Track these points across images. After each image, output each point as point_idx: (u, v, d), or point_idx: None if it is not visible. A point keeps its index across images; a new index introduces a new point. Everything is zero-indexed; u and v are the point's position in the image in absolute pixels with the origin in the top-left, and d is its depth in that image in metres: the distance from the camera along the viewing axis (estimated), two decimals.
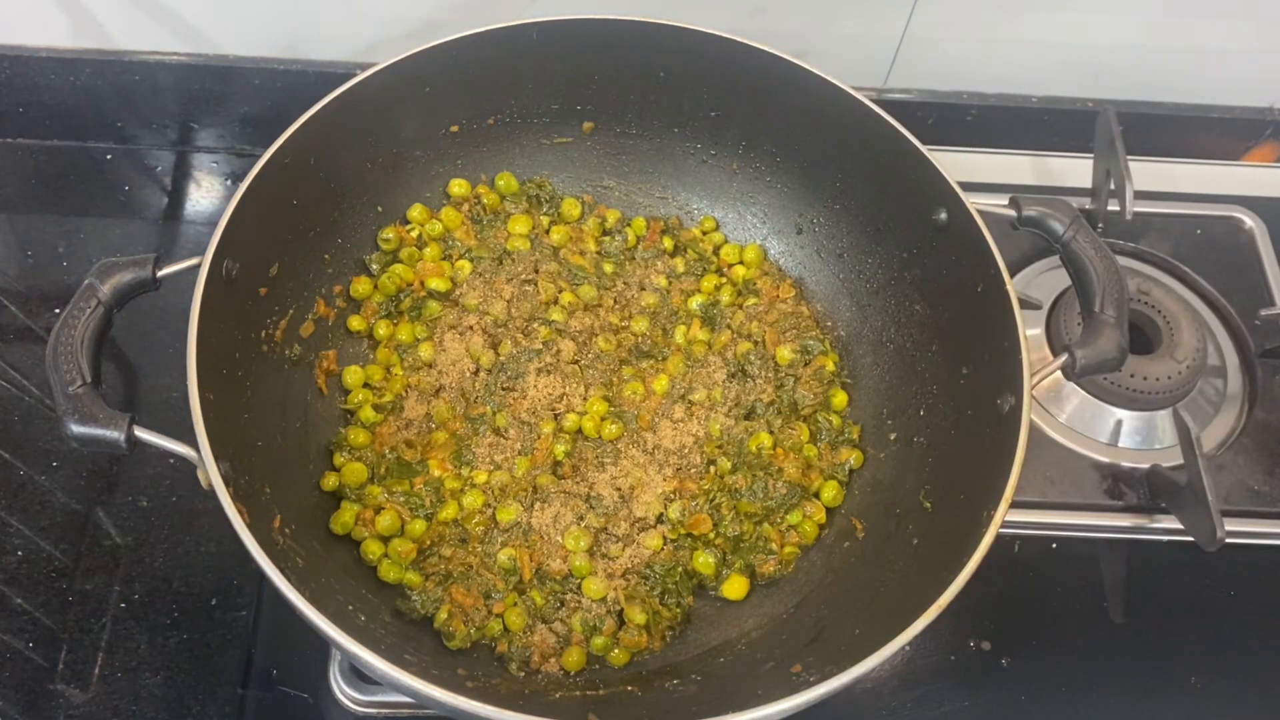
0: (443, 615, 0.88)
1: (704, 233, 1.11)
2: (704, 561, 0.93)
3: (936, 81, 1.30)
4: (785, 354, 1.02)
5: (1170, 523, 1.02)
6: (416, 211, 1.06)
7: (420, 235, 1.06)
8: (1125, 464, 1.06)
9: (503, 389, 0.99)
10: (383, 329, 1.02)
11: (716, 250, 1.10)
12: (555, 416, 0.98)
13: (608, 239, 1.09)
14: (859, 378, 1.03)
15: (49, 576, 0.97)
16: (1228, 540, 0.94)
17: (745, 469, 0.97)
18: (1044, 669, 0.98)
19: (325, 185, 0.97)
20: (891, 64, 1.27)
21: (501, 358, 1.00)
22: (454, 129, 1.06)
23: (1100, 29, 1.24)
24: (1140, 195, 1.15)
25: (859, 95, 0.97)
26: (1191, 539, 0.98)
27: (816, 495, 0.97)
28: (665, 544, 0.94)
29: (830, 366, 1.03)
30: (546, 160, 1.11)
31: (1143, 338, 1.11)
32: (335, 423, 0.98)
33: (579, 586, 0.91)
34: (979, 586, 0.75)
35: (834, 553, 0.95)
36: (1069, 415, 1.08)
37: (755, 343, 1.04)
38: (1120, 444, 1.07)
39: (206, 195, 1.24)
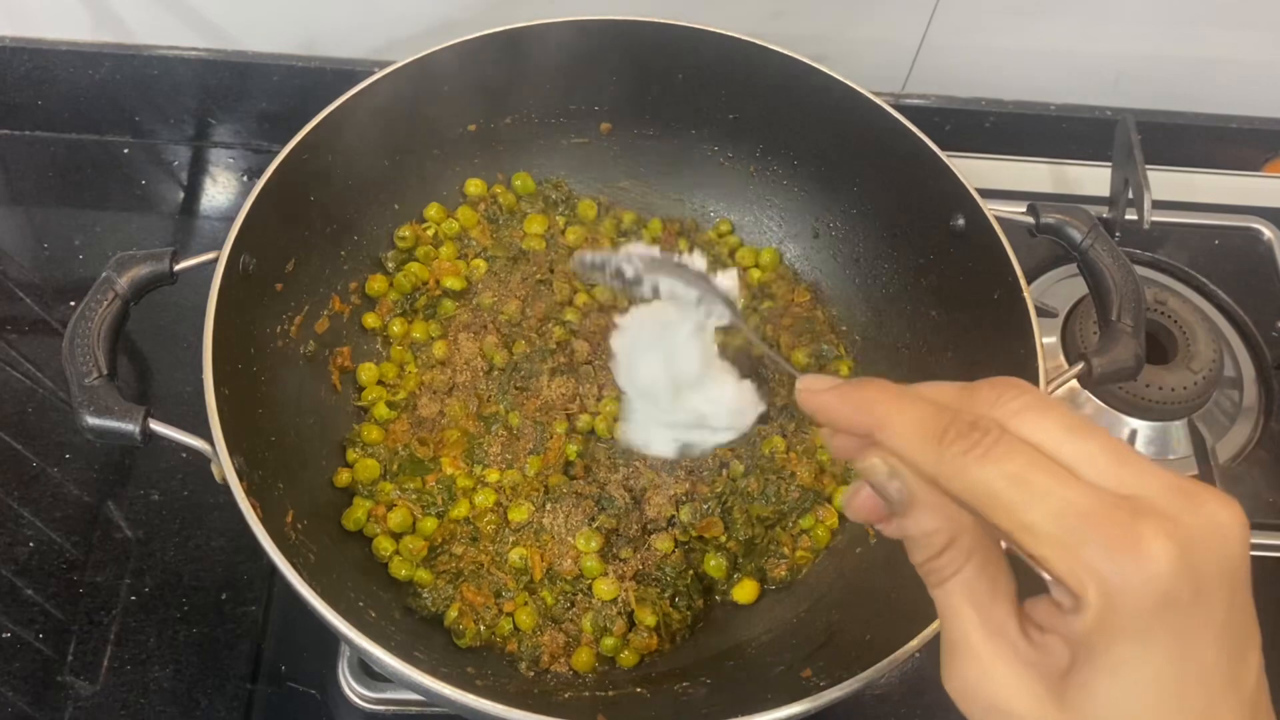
0: (453, 613, 0.88)
1: (720, 235, 1.11)
2: (715, 565, 0.93)
3: (955, 87, 1.30)
4: (800, 357, 1.02)
5: None
6: (433, 210, 1.06)
7: (436, 234, 1.06)
8: None
9: (516, 388, 0.99)
10: (397, 327, 1.02)
11: (732, 253, 1.10)
12: (568, 416, 0.98)
13: (624, 240, 1.09)
14: None
15: (60, 568, 0.97)
16: None
17: (758, 472, 0.96)
18: None
19: (342, 182, 0.97)
20: (910, 69, 1.26)
21: (515, 357, 1.00)
22: (471, 128, 1.06)
23: (1120, 38, 1.24)
24: (1158, 205, 1.15)
25: (878, 100, 0.96)
26: None
27: (829, 500, 0.97)
28: (676, 546, 0.94)
29: (845, 371, 1.02)
30: (563, 161, 1.11)
31: (1159, 348, 1.11)
32: (348, 419, 0.98)
33: (589, 587, 0.91)
34: None
35: (846, 557, 0.95)
36: None
37: (770, 345, 1.03)
38: None
39: (223, 191, 1.24)
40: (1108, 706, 0.41)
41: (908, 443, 0.45)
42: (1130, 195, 1.17)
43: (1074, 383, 0.85)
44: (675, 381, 0.78)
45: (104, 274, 0.80)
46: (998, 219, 0.90)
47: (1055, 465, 0.41)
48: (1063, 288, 1.16)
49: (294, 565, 0.72)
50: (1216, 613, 0.41)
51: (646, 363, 0.78)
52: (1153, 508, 0.40)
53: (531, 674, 0.87)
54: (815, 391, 0.50)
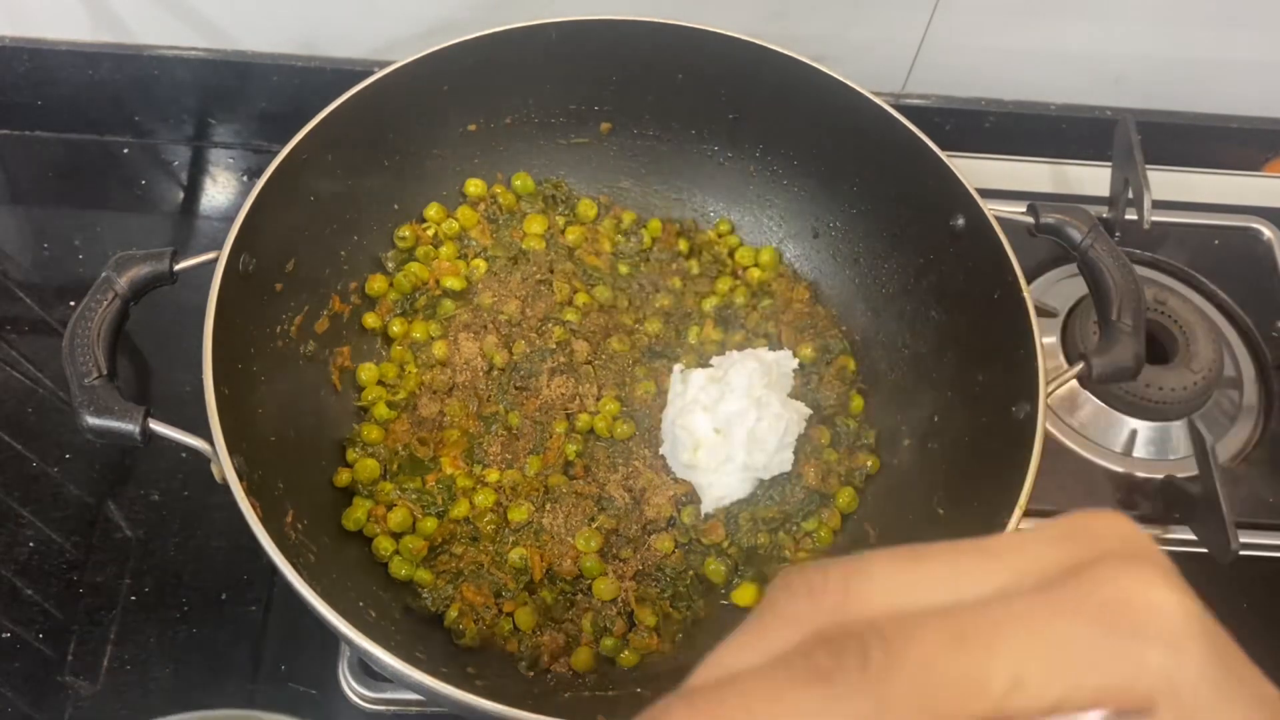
0: (453, 613, 0.88)
1: (720, 235, 1.11)
2: (715, 569, 0.93)
3: (955, 87, 1.30)
4: (808, 352, 1.02)
5: (1184, 534, 1.02)
6: (433, 210, 1.06)
7: (436, 234, 1.06)
8: (1139, 474, 1.06)
9: (516, 388, 0.99)
10: (397, 327, 1.02)
11: (731, 253, 1.10)
12: (568, 416, 0.98)
13: (623, 240, 1.09)
14: (874, 383, 1.03)
15: (60, 568, 0.97)
16: (1242, 553, 0.93)
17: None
18: None
19: (342, 182, 0.97)
20: (910, 69, 1.26)
21: (515, 357, 1.00)
22: (471, 128, 1.06)
23: (1120, 37, 1.24)
24: (1158, 205, 1.15)
25: (878, 100, 0.96)
26: (1205, 551, 0.97)
27: (833, 500, 0.97)
28: (676, 547, 0.94)
29: (852, 366, 1.02)
30: (563, 161, 1.11)
31: (1159, 347, 1.10)
32: (348, 419, 0.98)
33: (589, 587, 0.91)
34: None
35: None
36: (1083, 424, 1.08)
37: (770, 343, 1.03)
38: (1135, 454, 1.07)
39: (223, 191, 1.24)
40: None
41: (798, 711, 0.27)
42: (1130, 195, 1.16)
43: (1074, 383, 0.85)
44: (724, 452, 0.91)
45: (104, 274, 0.80)
46: (998, 219, 0.90)
47: (969, 611, 0.28)
48: (1063, 288, 1.16)
49: (294, 565, 0.72)
50: (1233, 645, 0.30)
51: (694, 448, 0.92)
52: (1095, 563, 0.29)
53: (531, 674, 0.87)
54: None
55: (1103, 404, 1.08)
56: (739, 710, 0.28)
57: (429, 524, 0.92)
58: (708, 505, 0.93)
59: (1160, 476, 1.05)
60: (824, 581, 0.30)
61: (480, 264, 1.06)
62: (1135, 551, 0.29)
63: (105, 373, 0.77)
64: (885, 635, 0.27)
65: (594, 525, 0.92)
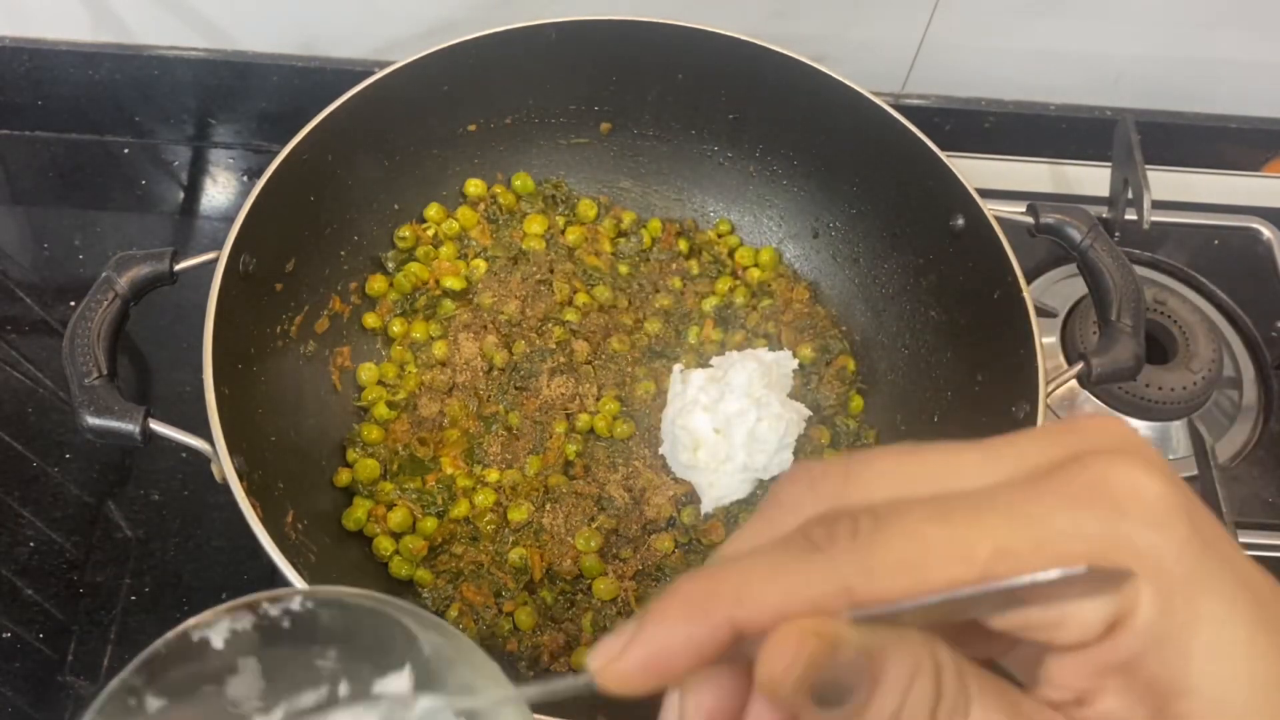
0: (453, 613, 0.88)
1: (720, 235, 1.11)
2: None
3: (954, 88, 1.30)
4: (807, 353, 1.02)
5: None
6: (433, 210, 1.06)
7: (436, 234, 1.06)
8: None
9: (516, 388, 0.99)
10: (397, 327, 1.02)
11: (731, 253, 1.10)
12: (568, 416, 0.98)
13: (623, 240, 1.09)
14: (873, 383, 1.03)
15: (60, 568, 0.97)
16: None
17: None
18: None
19: (342, 182, 0.97)
20: (910, 69, 1.26)
21: (515, 357, 1.00)
22: (471, 128, 1.06)
23: (1120, 38, 1.24)
24: (1158, 205, 1.15)
25: (877, 100, 0.97)
26: None
27: None
28: (676, 547, 0.94)
29: (851, 366, 1.02)
30: (563, 161, 1.11)
31: (1158, 348, 1.10)
32: (349, 419, 0.98)
33: (589, 587, 0.91)
34: None
35: None
36: None
37: (770, 344, 1.03)
38: None
39: (223, 191, 1.24)
40: (1224, 689, 0.28)
41: (792, 577, 0.29)
42: (1130, 195, 1.16)
43: (1073, 383, 0.85)
44: (724, 452, 0.91)
45: (104, 274, 0.80)
46: (997, 219, 0.90)
47: (957, 495, 0.30)
48: (1062, 288, 1.16)
49: (294, 565, 0.72)
50: (1220, 529, 0.30)
51: (694, 448, 0.92)
52: (1082, 455, 0.30)
53: (531, 674, 0.87)
54: (634, 644, 0.30)
55: (1103, 404, 1.08)
56: (736, 579, 0.29)
57: (429, 524, 0.92)
58: (708, 505, 0.93)
59: None
60: (824, 472, 0.31)
61: (480, 264, 1.06)
62: (1125, 447, 0.30)
63: (105, 373, 0.77)
64: (876, 511, 0.29)
65: (594, 525, 0.92)
